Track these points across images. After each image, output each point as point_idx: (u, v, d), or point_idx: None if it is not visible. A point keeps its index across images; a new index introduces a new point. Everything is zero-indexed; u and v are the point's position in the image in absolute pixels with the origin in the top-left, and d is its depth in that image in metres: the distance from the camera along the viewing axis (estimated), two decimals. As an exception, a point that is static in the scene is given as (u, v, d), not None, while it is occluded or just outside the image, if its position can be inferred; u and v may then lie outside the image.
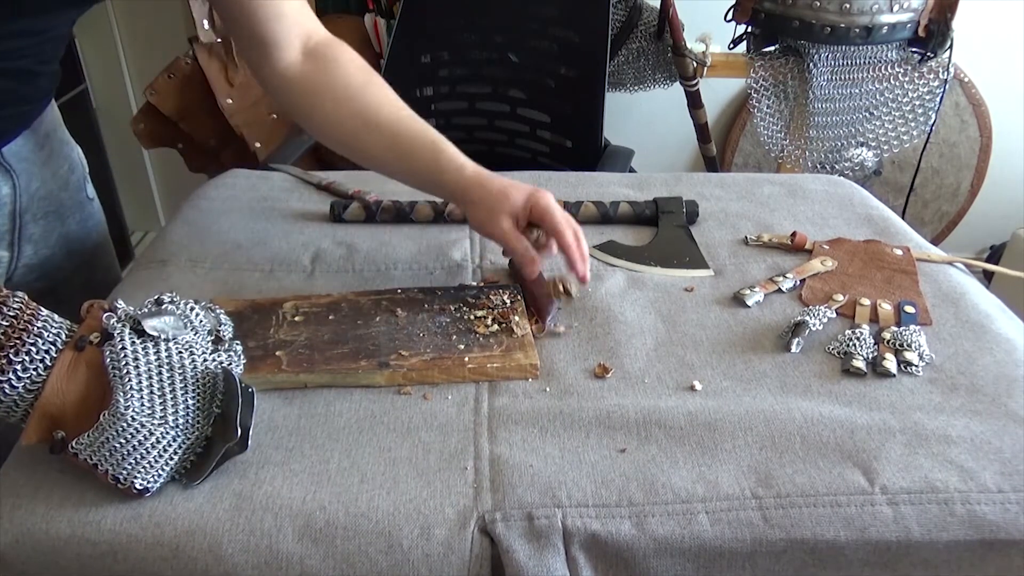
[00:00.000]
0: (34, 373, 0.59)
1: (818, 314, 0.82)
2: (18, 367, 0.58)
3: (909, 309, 0.85)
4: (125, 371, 0.59)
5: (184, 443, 0.61)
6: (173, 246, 0.96)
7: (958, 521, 0.61)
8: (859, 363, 0.76)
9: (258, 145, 1.93)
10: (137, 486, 0.59)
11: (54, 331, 0.61)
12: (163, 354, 0.61)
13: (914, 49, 1.68)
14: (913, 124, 1.72)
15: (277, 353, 0.74)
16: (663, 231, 1.00)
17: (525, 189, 0.82)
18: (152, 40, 2.23)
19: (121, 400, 0.58)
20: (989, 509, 0.62)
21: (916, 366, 0.76)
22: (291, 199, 1.08)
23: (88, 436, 0.58)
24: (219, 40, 1.84)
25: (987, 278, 2.14)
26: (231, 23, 0.83)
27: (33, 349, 0.59)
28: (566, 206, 1.01)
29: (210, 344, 0.65)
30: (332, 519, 0.59)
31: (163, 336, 0.61)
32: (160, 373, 0.60)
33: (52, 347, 0.60)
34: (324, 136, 0.86)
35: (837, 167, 1.78)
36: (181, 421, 0.60)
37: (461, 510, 0.60)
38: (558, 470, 0.64)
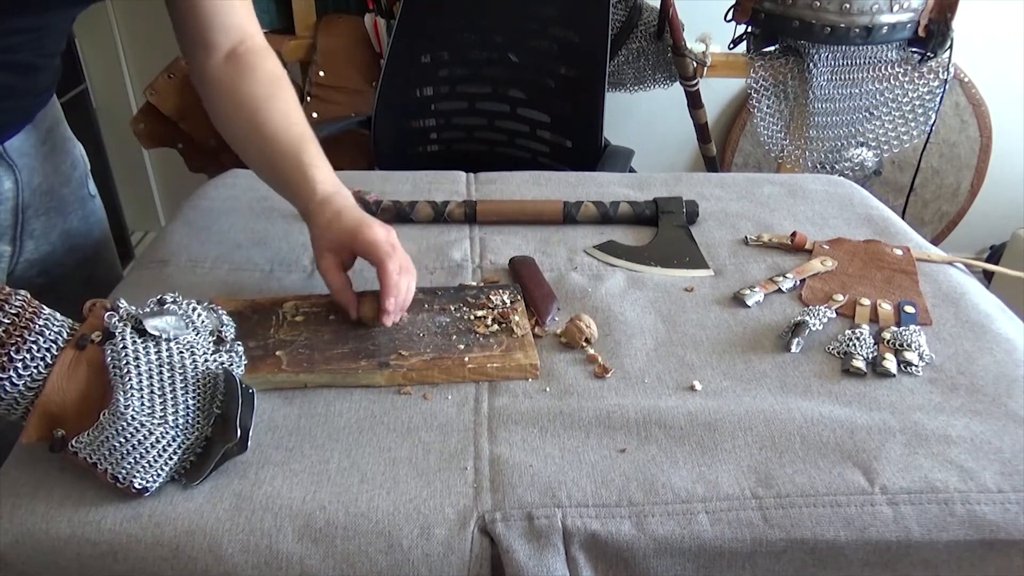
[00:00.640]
0: (35, 371, 0.59)
1: (818, 314, 0.82)
2: (19, 365, 0.58)
3: (909, 309, 0.85)
4: (126, 370, 0.59)
5: (184, 443, 0.61)
6: (173, 246, 0.96)
7: (958, 521, 0.61)
8: (859, 363, 0.76)
9: (258, 145, 1.93)
10: (136, 485, 0.59)
11: (55, 329, 0.61)
12: (164, 354, 0.61)
13: (914, 49, 1.68)
14: (913, 124, 1.72)
15: (277, 353, 0.74)
16: (663, 231, 1.00)
17: (352, 224, 0.77)
18: (152, 40, 2.23)
19: (121, 399, 0.58)
20: (989, 509, 0.62)
21: (916, 366, 0.76)
22: (291, 199, 1.08)
23: (88, 435, 0.58)
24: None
25: (987, 278, 2.14)
26: (172, 12, 0.86)
27: (34, 347, 0.59)
28: (566, 206, 1.01)
29: (211, 344, 0.65)
30: (332, 519, 0.59)
31: (164, 336, 0.61)
32: (161, 373, 0.60)
33: (53, 345, 0.60)
34: (223, 135, 0.88)
35: (837, 167, 1.78)
36: (181, 421, 0.61)
37: (461, 510, 0.60)
38: (558, 470, 0.64)
